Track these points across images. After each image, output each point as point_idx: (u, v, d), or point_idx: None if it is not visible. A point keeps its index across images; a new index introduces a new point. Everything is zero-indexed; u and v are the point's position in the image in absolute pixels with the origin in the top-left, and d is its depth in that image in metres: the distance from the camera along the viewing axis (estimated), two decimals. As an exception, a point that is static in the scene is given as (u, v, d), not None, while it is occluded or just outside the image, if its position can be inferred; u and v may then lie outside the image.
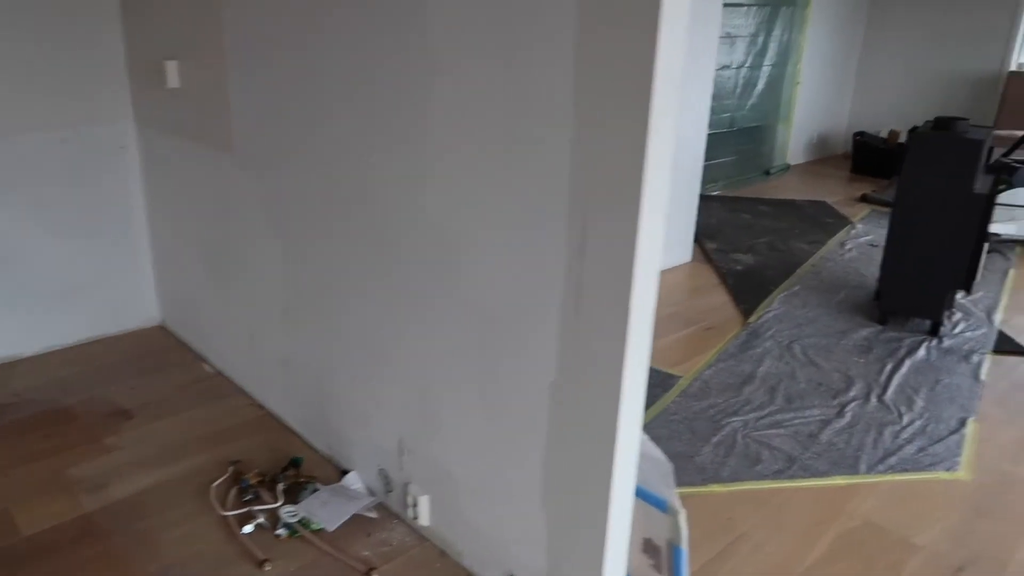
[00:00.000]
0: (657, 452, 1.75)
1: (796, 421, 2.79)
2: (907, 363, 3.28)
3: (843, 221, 5.42)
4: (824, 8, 6.85)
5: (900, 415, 2.87)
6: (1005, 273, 4.48)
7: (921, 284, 3.49)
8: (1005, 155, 4.91)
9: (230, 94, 2.44)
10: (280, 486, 2.24)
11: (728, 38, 5.91)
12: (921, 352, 3.39)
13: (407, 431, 2.09)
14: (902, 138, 7.08)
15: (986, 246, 3.43)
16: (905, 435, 2.74)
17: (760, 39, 6.27)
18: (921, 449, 2.66)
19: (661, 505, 1.76)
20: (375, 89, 1.87)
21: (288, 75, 2.16)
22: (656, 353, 3.26)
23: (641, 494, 1.76)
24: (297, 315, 2.44)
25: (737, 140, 6.44)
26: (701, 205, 5.58)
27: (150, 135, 3.04)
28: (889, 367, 3.24)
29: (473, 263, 1.73)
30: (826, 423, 2.79)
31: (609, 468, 1.56)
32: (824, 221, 5.41)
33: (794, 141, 7.15)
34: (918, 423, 2.82)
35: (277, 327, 2.56)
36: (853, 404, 2.93)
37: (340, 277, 2.19)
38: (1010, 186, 4.79)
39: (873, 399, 2.97)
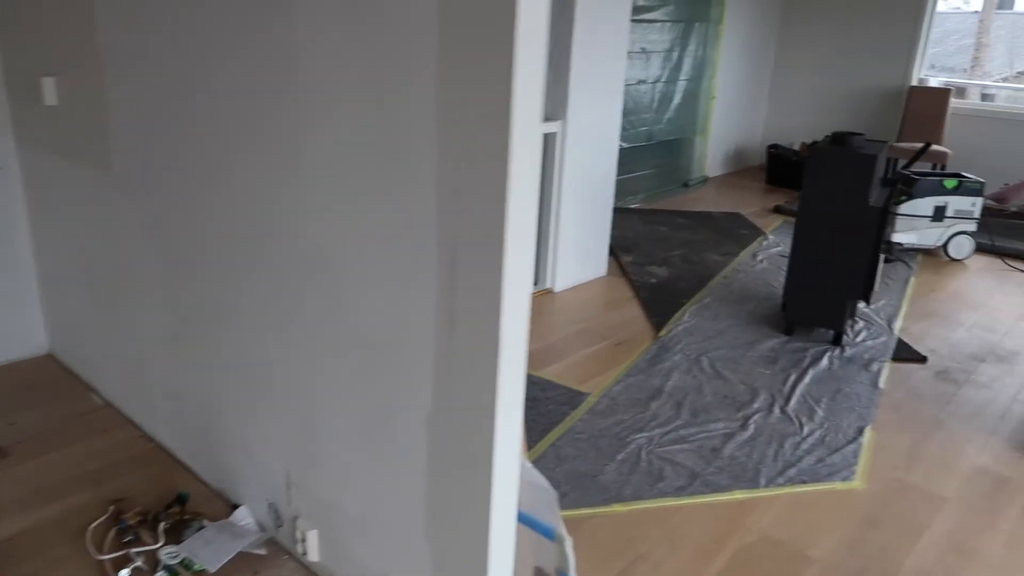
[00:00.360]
0: (542, 480, 1.72)
1: (700, 436, 2.81)
2: (810, 373, 3.35)
3: (756, 232, 5.55)
4: (737, 25, 7.03)
5: (801, 426, 2.92)
6: (906, 282, 4.64)
7: (823, 295, 3.58)
8: (905, 167, 5.10)
9: (109, 112, 2.33)
10: (162, 525, 2.13)
11: (643, 53, 6.01)
12: (824, 362, 3.47)
13: (294, 463, 2.01)
14: (814, 150, 7.31)
15: (882, 257, 3.54)
16: (805, 446, 2.79)
17: (675, 54, 6.38)
18: (819, 460, 2.71)
19: (548, 533, 1.73)
20: (253, 113, 1.80)
21: (166, 94, 2.07)
22: (566, 370, 3.26)
23: (529, 523, 1.73)
24: (184, 342, 2.33)
25: (655, 153, 6.54)
26: (620, 218, 5.65)
27: (31, 154, 2.88)
28: (793, 377, 3.30)
29: (350, 291, 1.68)
30: (729, 436, 2.82)
31: (487, 498, 1.52)
32: (738, 232, 5.53)
33: (712, 154, 7.30)
34: (818, 433, 2.87)
35: (164, 355, 2.44)
36: (756, 416, 2.97)
37: (223, 303, 2.10)
38: (910, 197, 4.98)
39: (776, 410, 3.02)
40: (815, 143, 3.55)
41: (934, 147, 6.36)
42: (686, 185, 6.95)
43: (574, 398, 3.04)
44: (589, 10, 3.79)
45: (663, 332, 3.71)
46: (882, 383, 3.31)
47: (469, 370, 1.47)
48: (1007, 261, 5.11)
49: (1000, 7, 16.92)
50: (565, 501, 2.40)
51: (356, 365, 1.71)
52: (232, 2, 1.76)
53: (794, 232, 3.61)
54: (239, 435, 2.19)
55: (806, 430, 2.89)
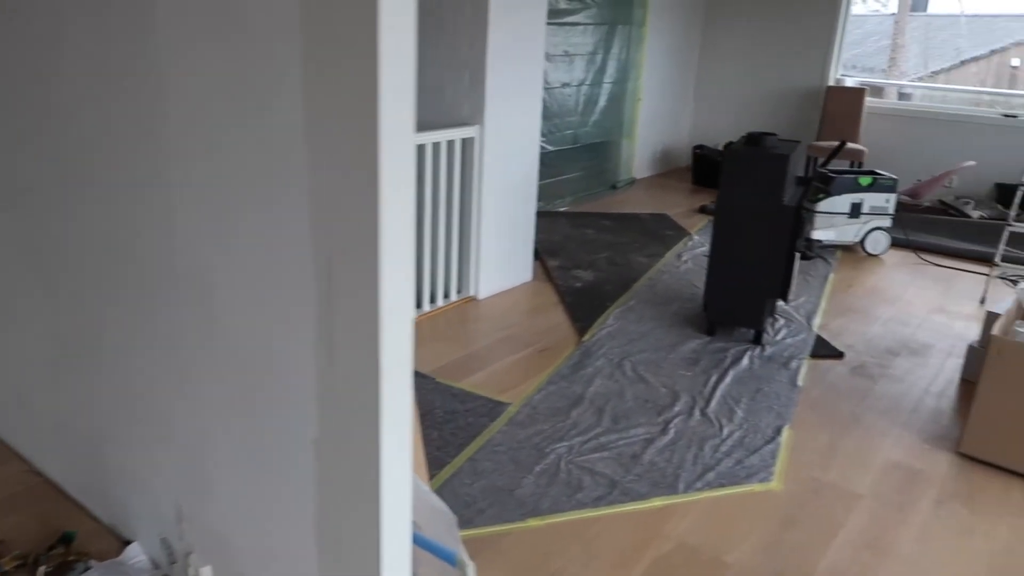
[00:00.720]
0: (441, 504, 1.65)
1: (621, 442, 2.78)
2: (731, 373, 3.36)
3: (682, 233, 5.59)
4: (660, 27, 7.09)
5: (721, 427, 2.91)
6: (826, 278, 4.72)
7: (742, 295, 3.60)
8: (822, 165, 5.20)
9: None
10: (43, 568, 1.98)
11: (566, 56, 6.00)
12: (744, 361, 3.49)
13: (184, 495, 1.89)
14: (738, 150, 7.42)
15: (798, 255, 3.58)
16: (724, 448, 2.78)
17: (599, 57, 6.40)
18: (738, 462, 2.70)
19: (450, 559, 1.66)
20: (120, 128, 1.68)
21: (36, 109, 1.92)
22: (487, 379, 3.19)
23: (429, 547, 1.66)
24: (68, 369, 2.18)
25: (582, 156, 6.54)
26: (547, 222, 5.62)
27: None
28: (714, 379, 3.31)
29: (229, 315, 1.57)
30: (650, 442, 2.79)
31: (377, 525, 1.44)
32: (664, 233, 5.56)
33: (639, 155, 7.35)
34: (737, 435, 2.87)
35: (49, 383, 2.28)
36: (677, 420, 2.95)
37: (103, 328, 1.96)
38: (828, 195, 5.08)
39: (696, 413, 3.01)
40: (730, 144, 3.57)
41: (850, 145, 6.52)
42: (614, 187, 6.97)
43: (494, 409, 2.97)
44: (504, 13, 3.74)
45: (586, 337, 3.68)
46: (800, 381, 3.34)
47: (351, 394, 1.39)
48: (920, 255, 5.26)
49: (914, 9, 17.63)
50: (482, 518, 2.33)
51: (239, 391, 1.61)
52: (93, 14, 1.65)
53: (712, 233, 3.62)
54: (128, 466, 2.06)
55: (725, 431, 2.89)
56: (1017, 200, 4.33)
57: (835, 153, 5.40)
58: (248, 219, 1.46)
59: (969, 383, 3.33)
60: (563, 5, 5.83)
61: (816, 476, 2.66)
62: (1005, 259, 4.97)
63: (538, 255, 4.91)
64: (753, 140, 3.57)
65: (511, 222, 4.19)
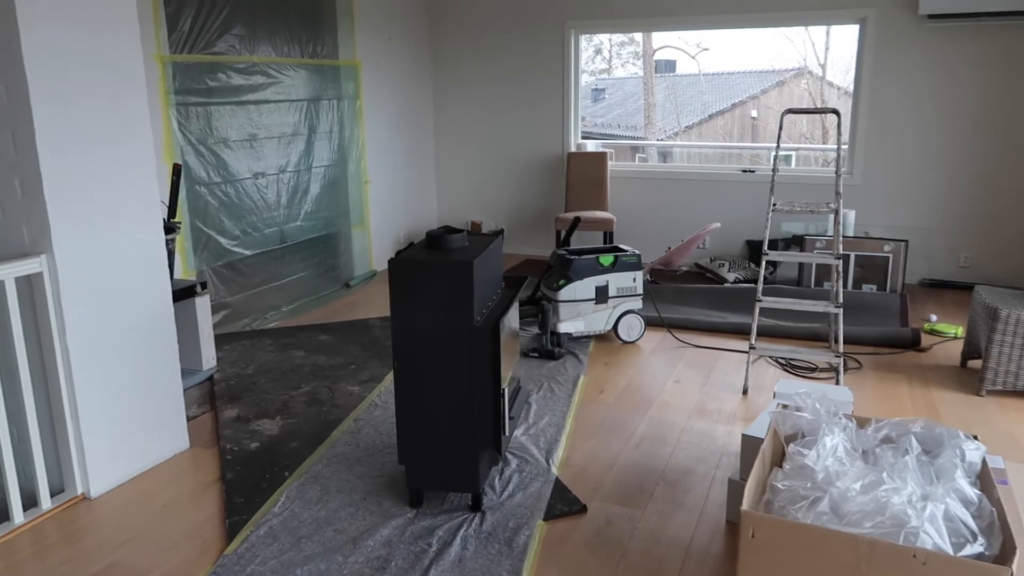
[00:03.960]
0: None
1: None
2: (432, 575, 2.36)
3: (413, 341, 4.62)
4: (379, 100, 6.27)
5: None
6: (575, 383, 3.93)
7: (445, 449, 2.65)
8: (560, 246, 4.51)
9: None
10: None
11: (251, 141, 4.94)
12: (455, 546, 2.51)
13: None
14: (485, 227, 6.71)
15: (506, 390, 2.69)
16: None
17: (303, 139, 5.41)
18: None
19: None
20: None
21: None
22: None
23: None
24: None
25: (297, 256, 5.46)
26: (244, 348, 4.45)
27: None
28: (404, 593, 2.28)
29: None
30: None
31: None
32: (390, 345, 4.57)
33: (378, 245, 6.40)
34: None
35: None
36: None
37: None
38: (568, 281, 4.36)
39: (364, 676, 1.95)
40: (401, 251, 2.66)
41: (597, 215, 5.98)
42: (348, 285, 5.94)
43: None
44: (66, 94, 2.62)
45: (232, 546, 2.53)
46: (526, 572, 2.40)
47: None
48: (676, 335, 4.66)
49: (660, 71, 18.60)
50: None
51: None
52: None
53: (393, 371, 2.65)
54: None
55: None
56: (762, 271, 3.80)
57: (571, 231, 4.74)
58: None
59: (736, 525, 2.57)
60: (237, 81, 4.79)
61: None
62: (762, 332, 4.48)
63: (213, 403, 3.72)
64: (433, 241, 2.67)
65: (135, 383, 2.98)
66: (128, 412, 2.97)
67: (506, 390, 2.65)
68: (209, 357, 4.06)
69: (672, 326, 4.77)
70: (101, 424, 2.86)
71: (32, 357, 2.70)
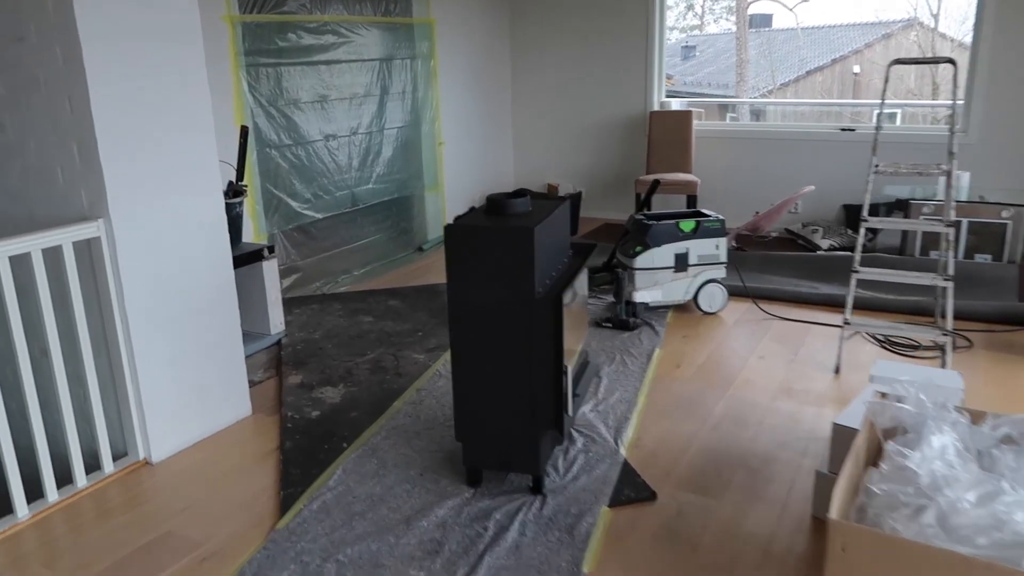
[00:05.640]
0: None
1: None
2: (485, 563, 2.22)
3: (483, 308, 4.48)
4: (454, 59, 6.07)
5: None
6: (650, 357, 3.70)
7: (503, 427, 2.49)
8: (639, 211, 4.25)
9: None
10: None
11: (321, 103, 4.84)
12: (512, 531, 2.36)
13: None
14: (562, 190, 6.47)
15: (570, 368, 2.49)
16: None
17: (375, 100, 5.29)
18: None
19: None
20: None
21: None
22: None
23: None
24: None
25: (370, 219, 5.38)
26: (314, 311, 4.42)
27: None
28: (457, 580, 2.16)
29: None
30: None
31: None
32: (461, 312, 4.43)
33: (452, 208, 6.26)
34: None
35: None
36: None
37: None
38: (646, 247, 4.10)
39: (407, 671, 1.84)
40: (459, 218, 2.48)
41: (680, 177, 5.65)
42: (421, 249, 5.85)
43: None
44: (118, 55, 2.54)
45: (283, 520, 2.46)
46: (587, 563, 2.23)
47: None
48: (762, 306, 4.34)
49: (755, 25, 17.65)
50: None
51: None
52: None
53: (450, 342, 2.50)
54: None
55: None
56: (860, 238, 3.45)
57: (650, 195, 4.47)
58: None
59: (822, 522, 2.33)
60: (308, 41, 4.69)
61: None
62: (858, 306, 4.11)
63: (279, 367, 3.69)
64: (494, 206, 2.49)
65: (196, 349, 2.94)
66: (189, 378, 2.94)
67: (569, 368, 2.46)
68: (277, 322, 4.03)
69: (758, 296, 4.45)
70: (162, 390, 2.84)
71: (93, 322, 2.68)
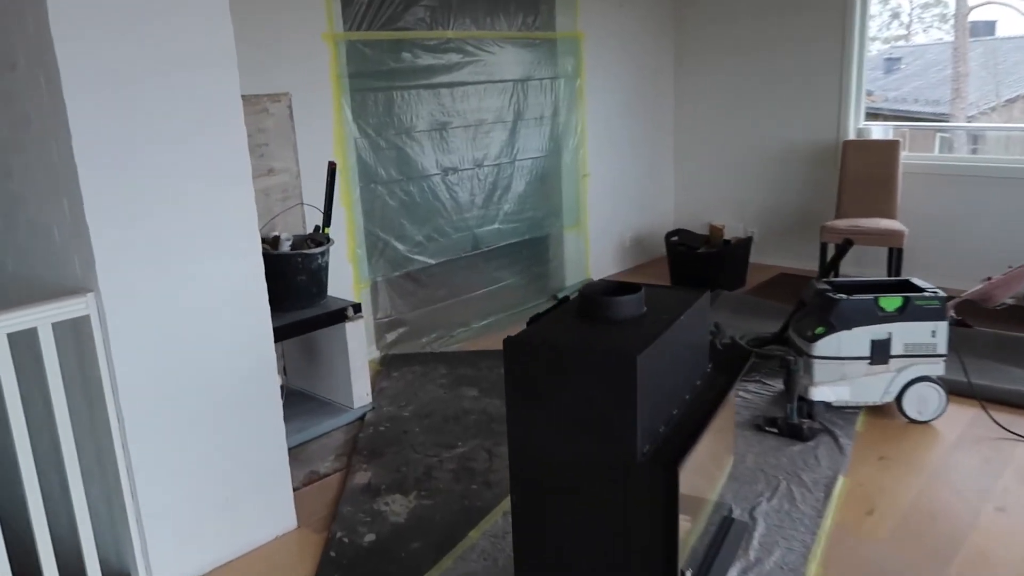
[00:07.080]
0: None
1: None
2: None
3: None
4: (605, 77, 5.26)
5: None
6: (829, 489, 2.67)
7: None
8: (821, 275, 3.22)
9: None
10: None
11: (439, 131, 4.20)
12: None
13: None
14: (729, 232, 5.44)
15: (687, 572, 1.59)
16: None
17: (509, 125, 4.59)
18: None
19: None
20: None
21: None
22: None
23: None
24: None
25: (492, 264, 4.68)
26: (413, 376, 3.77)
27: None
28: None
29: None
30: None
31: None
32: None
33: (596, 249, 5.44)
34: None
35: None
36: None
37: None
38: (830, 329, 3.06)
39: None
40: (559, 304, 1.67)
41: (882, 225, 4.47)
42: (555, 298, 5.06)
43: None
44: (106, 87, 1.98)
45: None
46: None
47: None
48: (995, 415, 3.12)
49: (976, 34, 15.38)
50: None
51: None
52: None
53: (511, 515, 1.68)
54: None
55: None
56: None
57: (838, 258, 3.41)
58: None
59: None
60: (426, 61, 4.07)
61: None
62: None
63: (349, 459, 3.05)
64: (588, 306, 1.65)
65: (219, 451, 2.33)
66: (210, 487, 2.33)
67: (687, 572, 1.56)
68: (362, 394, 3.42)
69: (990, 399, 3.24)
70: (171, 502, 2.24)
71: (81, 420, 2.13)
